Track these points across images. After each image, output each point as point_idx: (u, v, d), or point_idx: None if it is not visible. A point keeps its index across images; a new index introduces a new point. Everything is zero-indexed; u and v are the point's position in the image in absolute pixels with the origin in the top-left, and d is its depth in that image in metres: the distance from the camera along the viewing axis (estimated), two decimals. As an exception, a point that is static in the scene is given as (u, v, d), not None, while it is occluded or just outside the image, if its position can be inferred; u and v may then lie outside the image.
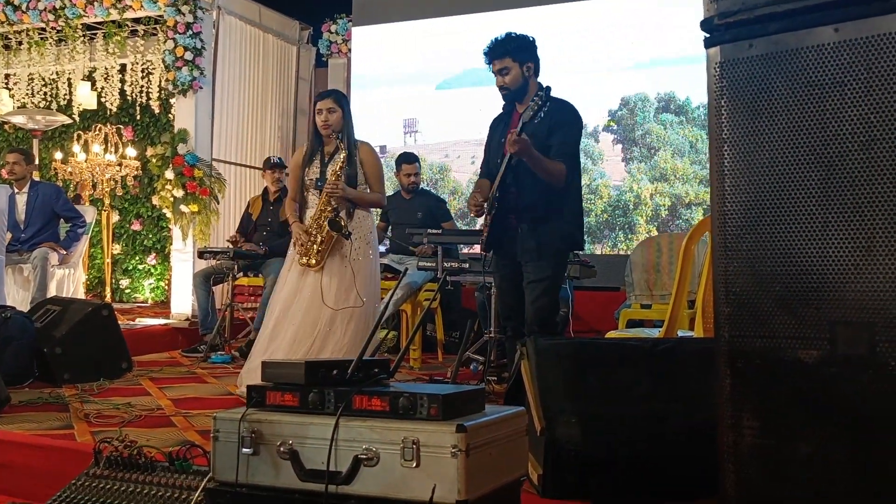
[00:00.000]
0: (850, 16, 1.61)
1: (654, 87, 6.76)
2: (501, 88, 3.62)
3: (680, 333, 3.50)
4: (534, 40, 3.63)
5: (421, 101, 7.61)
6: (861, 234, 1.60)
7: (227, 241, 6.11)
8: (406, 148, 7.18)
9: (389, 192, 6.08)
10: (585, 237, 4.16)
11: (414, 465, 1.54)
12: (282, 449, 1.66)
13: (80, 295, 6.52)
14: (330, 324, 3.85)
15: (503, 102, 3.71)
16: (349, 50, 8.13)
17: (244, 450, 1.69)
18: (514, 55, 3.58)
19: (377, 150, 4.29)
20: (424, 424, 1.57)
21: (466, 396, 1.67)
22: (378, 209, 4.71)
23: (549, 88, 3.47)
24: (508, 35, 3.62)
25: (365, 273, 3.93)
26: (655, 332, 3.82)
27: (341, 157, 3.91)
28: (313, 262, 3.89)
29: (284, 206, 4.73)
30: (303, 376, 1.71)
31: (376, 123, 7.41)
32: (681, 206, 6.70)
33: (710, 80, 1.83)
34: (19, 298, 5.78)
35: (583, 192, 3.78)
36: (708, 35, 1.85)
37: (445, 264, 4.76)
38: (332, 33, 8.24)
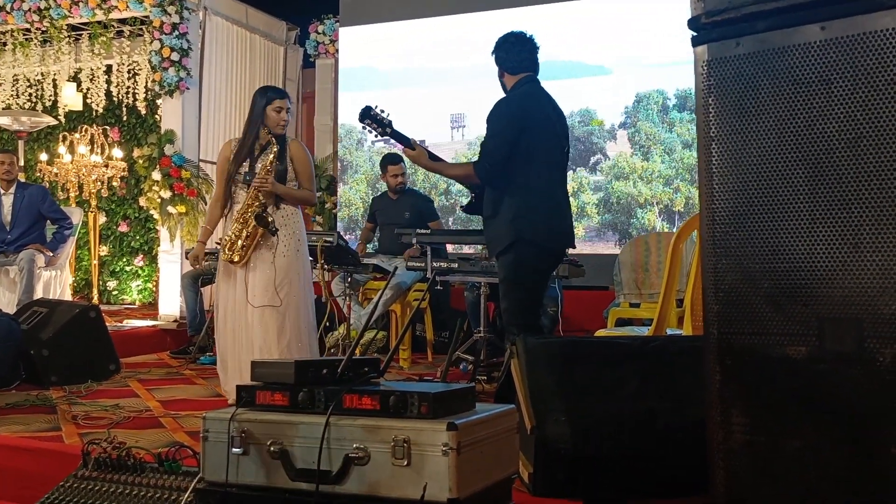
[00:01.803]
0: (836, 14, 1.62)
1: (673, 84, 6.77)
2: None
3: (669, 332, 3.51)
4: (501, 40, 3.65)
5: (411, 100, 7.61)
6: (848, 230, 1.61)
7: (217, 243, 6.08)
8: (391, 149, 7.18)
9: (378, 192, 6.09)
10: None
11: (405, 463, 1.54)
12: (272, 448, 1.66)
13: (67, 297, 6.48)
14: (260, 322, 3.72)
15: None
16: (336, 50, 8.11)
17: (234, 450, 1.69)
18: (495, 57, 3.67)
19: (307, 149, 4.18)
20: (415, 423, 1.57)
21: (457, 395, 1.67)
22: (310, 207, 4.56)
23: (505, 86, 3.62)
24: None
25: (291, 270, 3.79)
26: (644, 331, 3.84)
27: (272, 152, 3.79)
28: (236, 258, 3.75)
29: None
30: (293, 375, 1.70)
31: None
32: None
33: (698, 79, 1.84)
34: (5, 300, 5.75)
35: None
36: (695, 33, 1.86)
37: (434, 264, 4.75)
38: (319, 34, 8.22)
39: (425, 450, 1.53)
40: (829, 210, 1.64)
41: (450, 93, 7.49)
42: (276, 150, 3.80)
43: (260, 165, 3.82)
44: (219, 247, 5.80)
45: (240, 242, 3.76)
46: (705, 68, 1.81)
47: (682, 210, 6.73)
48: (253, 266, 3.77)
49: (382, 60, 7.86)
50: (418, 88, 7.66)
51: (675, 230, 6.42)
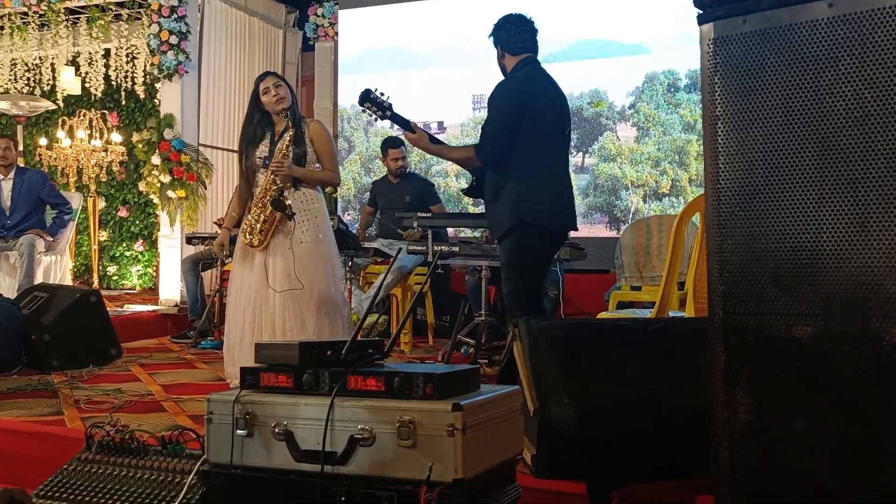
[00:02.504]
0: (844, -10, 1.60)
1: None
2: None
3: (671, 314, 3.51)
4: (501, 21, 3.63)
5: (412, 83, 7.58)
6: (856, 210, 1.60)
7: (215, 222, 6.07)
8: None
9: (377, 176, 6.07)
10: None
11: (410, 444, 1.53)
12: (276, 430, 1.65)
13: (68, 282, 6.48)
14: (282, 307, 3.69)
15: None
16: (336, 33, 8.07)
17: (238, 431, 1.68)
18: (494, 39, 3.66)
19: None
20: (420, 403, 1.56)
21: (462, 376, 1.67)
22: (332, 187, 4.53)
23: (505, 68, 3.60)
24: None
25: (310, 255, 3.75)
26: (646, 314, 3.83)
27: (289, 135, 3.77)
28: (255, 241, 3.74)
29: None
30: (297, 357, 1.70)
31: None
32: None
33: (704, 57, 1.82)
34: (6, 285, 5.74)
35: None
36: (701, 11, 1.84)
37: (436, 248, 4.74)
38: (318, 17, 8.17)
39: (430, 430, 1.53)
40: (836, 189, 1.62)
41: (450, 75, 7.45)
42: (292, 133, 3.77)
43: (277, 148, 3.80)
44: (218, 230, 5.84)
45: (258, 226, 3.75)
46: (711, 46, 1.80)
47: (667, 192, 6.71)
48: (273, 251, 3.74)
49: (382, 43, 7.82)
50: (417, 70, 7.62)
51: (654, 213, 6.43)
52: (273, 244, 3.75)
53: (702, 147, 7.02)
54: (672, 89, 6.78)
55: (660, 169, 6.76)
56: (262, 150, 3.86)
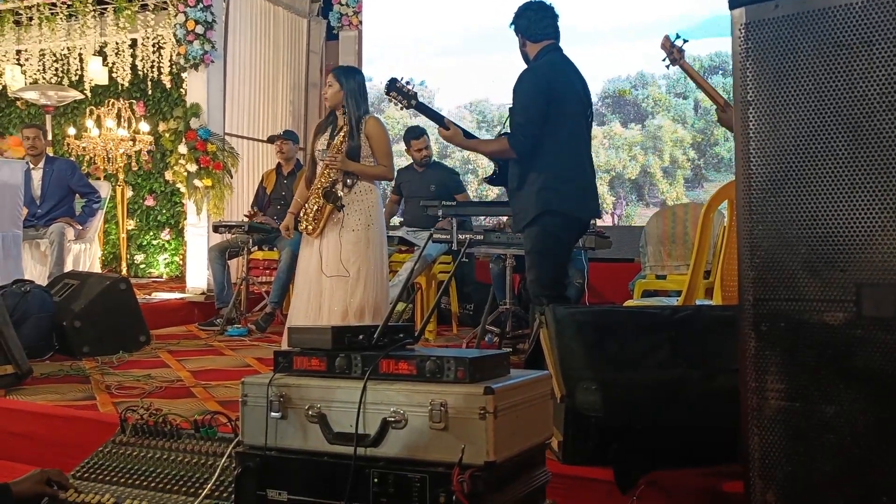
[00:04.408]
0: (879, -26, 1.59)
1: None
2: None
3: (697, 303, 3.50)
4: (522, 8, 3.62)
5: (435, 70, 7.59)
6: (888, 195, 1.59)
7: (245, 215, 6.13)
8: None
9: (402, 165, 6.08)
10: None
11: (442, 426, 1.55)
12: (310, 412, 1.68)
13: (97, 270, 6.56)
14: (331, 291, 3.98)
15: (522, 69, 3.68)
16: (360, 22, 8.07)
17: (272, 414, 1.71)
18: (515, 27, 3.66)
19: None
20: (452, 387, 1.58)
21: (493, 360, 1.68)
22: (387, 182, 4.77)
23: (527, 55, 3.62)
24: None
25: (358, 243, 4.00)
26: (672, 302, 3.82)
27: (344, 130, 4.04)
28: (310, 228, 4.05)
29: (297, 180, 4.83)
30: (329, 341, 1.72)
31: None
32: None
33: (735, 42, 1.81)
34: (36, 273, 5.83)
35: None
36: (732, -4, 1.83)
37: (461, 236, 4.75)
38: (342, 5, 8.17)
39: (462, 413, 1.54)
40: (868, 174, 1.62)
41: (477, 63, 7.44)
42: (346, 129, 4.03)
43: (333, 144, 4.05)
44: (246, 219, 5.91)
45: (312, 215, 4.06)
46: (743, 31, 1.79)
47: (634, 178, 6.66)
48: (326, 238, 4.04)
49: (406, 32, 7.82)
50: (443, 59, 7.62)
51: (622, 201, 6.40)
52: (326, 231, 4.03)
53: (675, 133, 7.02)
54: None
55: (630, 154, 6.72)
56: (322, 142, 4.13)
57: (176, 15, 6.70)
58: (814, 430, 1.71)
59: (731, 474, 2.08)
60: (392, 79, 3.73)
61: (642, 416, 2.33)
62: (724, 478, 2.16)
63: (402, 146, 6.16)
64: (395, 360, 1.66)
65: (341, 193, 4.00)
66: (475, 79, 7.41)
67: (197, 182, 6.57)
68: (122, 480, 2.16)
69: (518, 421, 1.62)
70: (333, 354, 1.71)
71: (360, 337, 1.75)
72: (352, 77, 4.14)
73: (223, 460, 2.05)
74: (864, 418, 1.64)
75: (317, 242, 4.05)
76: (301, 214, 4.16)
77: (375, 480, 1.58)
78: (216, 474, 2.04)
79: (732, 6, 1.82)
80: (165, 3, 7.20)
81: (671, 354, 2.44)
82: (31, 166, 6.05)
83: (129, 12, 7.32)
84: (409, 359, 1.65)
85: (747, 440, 1.81)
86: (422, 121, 5.98)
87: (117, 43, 7.77)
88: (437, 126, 3.67)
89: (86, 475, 2.21)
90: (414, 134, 5.95)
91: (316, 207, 4.04)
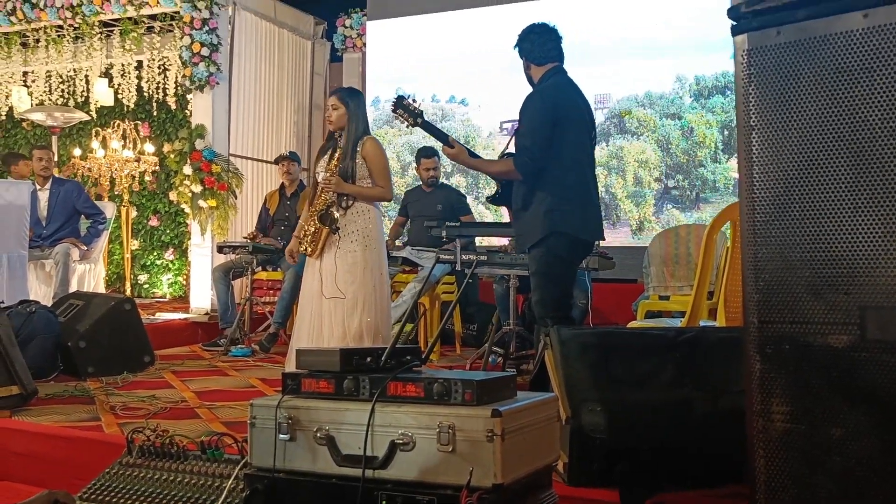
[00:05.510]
0: (879, 1, 1.62)
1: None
2: None
3: (701, 324, 3.50)
4: (526, 31, 3.66)
5: (440, 93, 7.64)
6: (891, 219, 1.61)
7: (245, 237, 6.16)
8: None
9: (406, 186, 6.11)
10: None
11: (450, 449, 1.56)
12: (318, 435, 1.69)
13: (101, 290, 6.58)
14: (329, 313, 3.96)
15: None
16: (364, 44, 8.15)
17: (281, 436, 1.72)
18: (519, 50, 3.68)
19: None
20: (460, 409, 1.59)
21: (500, 382, 1.69)
22: (385, 202, 4.75)
23: (532, 79, 3.64)
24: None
25: (354, 266, 3.96)
26: (676, 323, 3.83)
27: (337, 153, 4.02)
28: (309, 249, 4.04)
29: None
30: (338, 363, 1.73)
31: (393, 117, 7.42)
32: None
33: (738, 68, 1.84)
34: (41, 293, 5.85)
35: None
36: (735, 23, 1.86)
37: (464, 257, 4.76)
38: (346, 28, 8.26)
39: (470, 436, 1.55)
40: (871, 198, 1.63)
41: (479, 85, 7.49)
42: (339, 151, 4.02)
43: (328, 166, 4.04)
44: (246, 240, 5.94)
45: (310, 237, 4.04)
46: (745, 57, 1.81)
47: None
48: (324, 260, 4.02)
49: (410, 54, 7.88)
50: (446, 82, 7.67)
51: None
52: (325, 253, 4.02)
53: (642, 154, 7.04)
54: (700, 94, 6.76)
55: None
56: (322, 164, 4.12)
57: (182, 37, 6.76)
58: (819, 452, 1.72)
59: (737, 496, 2.08)
60: (399, 96, 3.78)
61: (648, 437, 2.33)
62: (730, 499, 2.16)
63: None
64: (403, 383, 1.67)
65: (337, 216, 3.98)
66: (481, 102, 7.45)
67: (201, 202, 6.60)
68: (129, 502, 2.17)
69: (525, 443, 1.63)
70: (342, 377, 1.73)
71: (368, 359, 1.76)
72: (356, 99, 4.16)
73: (230, 482, 2.06)
74: (869, 440, 1.65)
75: (318, 264, 4.05)
76: (301, 236, 4.16)
77: (384, 503, 1.59)
78: (223, 496, 2.04)
79: (735, 32, 1.84)
80: (171, 25, 7.27)
81: (676, 376, 2.45)
82: (38, 187, 6.09)
83: (136, 34, 7.38)
84: (416, 381, 1.66)
85: (753, 462, 1.81)
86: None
87: (123, 65, 7.83)
88: (442, 144, 3.69)
89: (93, 496, 2.22)
90: (426, 153, 5.99)
91: (313, 230, 4.03)
